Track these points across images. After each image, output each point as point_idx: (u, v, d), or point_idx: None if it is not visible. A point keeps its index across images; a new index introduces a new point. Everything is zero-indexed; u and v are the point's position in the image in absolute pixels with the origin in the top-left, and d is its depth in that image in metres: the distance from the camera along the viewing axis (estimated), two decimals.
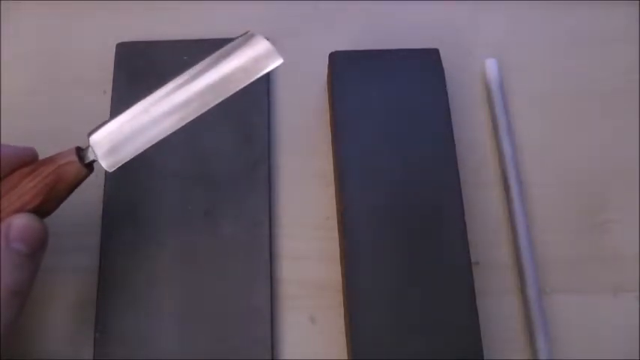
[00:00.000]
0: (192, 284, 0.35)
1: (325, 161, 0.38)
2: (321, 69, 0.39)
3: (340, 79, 0.37)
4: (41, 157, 0.30)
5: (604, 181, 0.38)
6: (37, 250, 0.28)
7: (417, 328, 0.31)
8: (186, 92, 0.29)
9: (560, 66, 0.41)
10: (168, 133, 0.29)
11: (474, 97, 0.40)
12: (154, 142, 0.29)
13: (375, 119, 0.35)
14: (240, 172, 0.37)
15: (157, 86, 0.29)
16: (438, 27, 0.42)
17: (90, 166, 0.29)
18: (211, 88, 0.29)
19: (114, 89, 0.39)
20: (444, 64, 0.37)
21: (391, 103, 0.36)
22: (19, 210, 0.28)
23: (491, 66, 0.40)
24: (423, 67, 0.37)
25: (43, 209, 0.28)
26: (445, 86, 0.36)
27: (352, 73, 0.37)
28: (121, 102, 0.38)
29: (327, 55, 0.38)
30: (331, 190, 0.37)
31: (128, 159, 0.29)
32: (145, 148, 0.29)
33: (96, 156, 0.29)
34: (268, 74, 0.39)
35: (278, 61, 0.29)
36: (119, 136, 0.29)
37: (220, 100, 0.29)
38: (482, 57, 0.41)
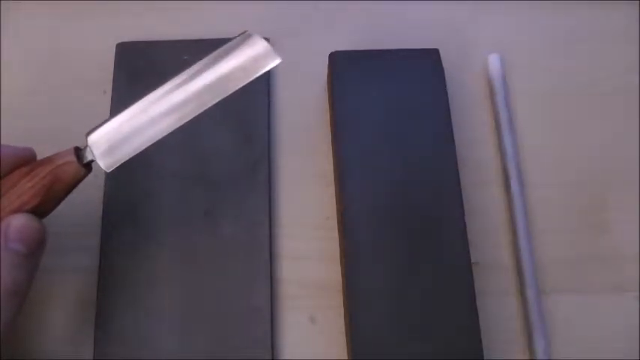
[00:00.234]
0: (192, 284, 0.35)
1: (325, 161, 0.38)
2: (321, 69, 0.39)
3: (340, 79, 0.37)
4: (41, 157, 0.30)
5: (604, 181, 0.38)
6: (35, 250, 0.28)
7: (417, 328, 0.31)
8: (184, 92, 0.29)
9: (560, 66, 0.41)
10: (167, 133, 0.29)
11: (474, 96, 0.40)
12: (152, 142, 0.29)
13: (375, 119, 0.35)
14: (240, 172, 0.37)
15: (155, 86, 0.29)
16: (438, 27, 0.42)
17: (88, 166, 0.29)
18: (209, 88, 0.29)
19: (114, 89, 0.39)
20: (444, 64, 0.37)
21: (391, 103, 0.36)
22: (18, 210, 0.28)
23: (493, 61, 0.40)
24: (423, 67, 0.37)
25: (41, 209, 0.28)
26: (445, 86, 0.36)
27: (352, 73, 0.37)
28: (120, 102, 0.38)
29: (327, 55, 0.38)
30: (331, 190, 0.37)
31: (126, 159, 0.29)
32: (143, 148, 0.29)
33: (94, 156, 0.29)
34: (268, 74, 0.40)
35: (276, 61, 0.29)
36: (117, 136, 0.29)
37: (218, 99, 0.29)
38: (482, 57, 0.41)
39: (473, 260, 0.33)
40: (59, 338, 0.35)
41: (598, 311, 0.35)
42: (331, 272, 0.35)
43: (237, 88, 0.29)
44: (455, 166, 0.34)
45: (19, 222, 0.27)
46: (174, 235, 0.36)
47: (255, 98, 0.39)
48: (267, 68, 0.29)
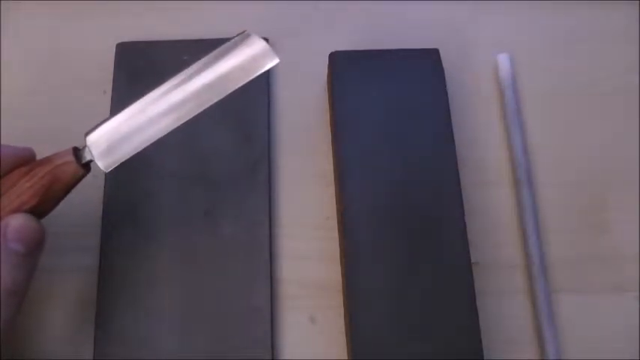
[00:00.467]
0: (192, 284, 0.35)
1: (325, 161, 0.38)
2: (321, 69, 0.39)
3: (340, 79, 0.37)
4: (41, 157, 0.30)
5: (604, 181, 0.38)
6: (34, 250, 0.28)
7: (417, 328, 0.31)
8: (183, 92, 0.29)
9: (560, 66, 0.41)
10: (165, 133, 0.29)
11: (475, 96, 0.40)
12: (150, 142, 0.29)
13: (375, 119, 0.35)
14: (240, 172, 0.37)
15: (154, 86, 0.29)
16: (438, 27, 0.42)
17: (87, 166, 0.29)
18: (208, 87, 0.29)
19: (114, 89, 0.39)
20: (444, 64, 0.37)
21: (391, 103, 0.36)
22: (17, 210, 0.28)
23: (503, 61, 0.40)
24: (423, 67, 0.37)
25: (40, 209, 0.29)
26: (445, 86, 0.36)
27: (352, 73, 0.37)
28: (120, 102, 0.38)
29: (327, 55, 0.38)
30: (331, 190, 0.37)
31: (125, 159, 0.29)
32: (141, 148, 0.29)
33: (92, 156, 0.29)
34: (268, 74, 0.40)
35: (274, 61, 0.29)
36: (116, 136, 0.29)
37: (217, 100, 0.29)
38: (482, 57, 0.41)
39: (473, 260, 0.33)
40: (59, 338, 0.35)
41: (598, 311, 0.35)
42: (331, 272, 0.35)
43: (235, 87, 0.29)
44: (455, 166, 0.34)
45: (17, 222, 0.27)
46: (174, 235, 0.36)
47: (255, 98, 0.39)
48: (266, 68, 0.29)
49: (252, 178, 0.37)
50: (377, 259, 0.32)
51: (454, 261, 0.32)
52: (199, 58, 0.30)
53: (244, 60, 0.29)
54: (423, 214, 0.33)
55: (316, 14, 0.43)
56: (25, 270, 0.27)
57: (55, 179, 0.28)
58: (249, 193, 0.37)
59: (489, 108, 0.40)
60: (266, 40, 0.30)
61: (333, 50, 0.38)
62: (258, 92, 0.39)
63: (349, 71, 0.37)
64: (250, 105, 0.39)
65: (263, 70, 0.29)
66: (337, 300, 0.35)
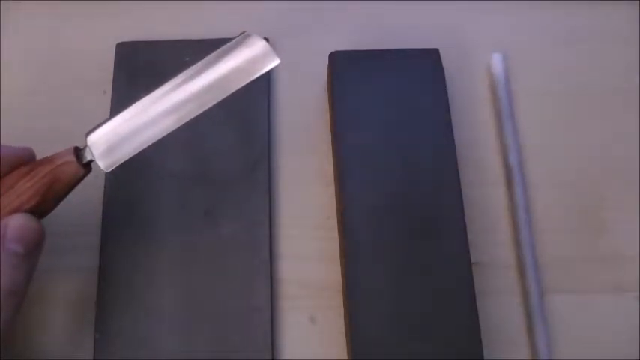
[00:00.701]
0: (192, 284, 0.35)
1: (325, 161, 0.38)
2: (321, 69, 0.39)
3: (340, 79, 0.37)
4: (41, 157, 0.30)
5: (604, 181, 0.38)
6: (33, 250, 0.28)
7: (416, 328, 0.31)
8: (184, 93, 0.29)
9: (560, 66, 0.41)
10: (166, 133, 0.29)
11: (474, 96, 0.40)
12: (151, 143, 0.29)
13: (375, 119, 0.35)
14: (240, 172, 0.37)
15: (155, 86, 0.29)
16: (438, 27, 0.42)
17: (88, 166, 0.29)
18: (208, 88, 0.29)
19: (114, 89, 0.39)
20: (444, 64, 0.37)
21: (391, 103, 0.36)
22: (17, 210, 0.28)
23: (496, 61, 0.40)
24: (423, 67, 0.37)
25: (41, 209, 0.29)
26: (445, 86, 0.36)
27: (352, 73, 0.37)
28: (120, 102, 0.38)
29: (327, 55, 0.38)
30: (331, 190, 0.37)
31: (125, 159, 0.29)
32: (142, 148, 0.29)
33: (93, 156, 0.29)
34: (268, 74, 0.40)
35: (275, 62, 0.29)
36: (116, 137, 0.29)
37: (218, 100, 0.29)
38: (482, 57, 0.41)
39: (473, 260, 0.33)
40: (59, 338, 0.35)
41: (598, 311, 0.35)
42: (331, 272, 0.35)
43: (236, 88, 0.29)
44: (455, 166, 0.34)
45: (17, 222, 0.27)
46: (174, 235, 0.36)
47: (255, 98, 0.39)
48: (267, 69, 0.29)
49: (252, 178, 0.37)
50: (377, 259, 0.32)
51: (454, 261, 0.32)
52: (200, 59, 0.30)
53: (245, 61, 0.29)
54: (423, 214, 0.33)
55: (316, 14, 0.43)
56: (25, 270, 0.27)
57: (55, 179, 0.28)
58: (249, 193, 0.37)
59: (489, 108, 0.40)
60: (266, 40, 0.30)
61: (333, 50, 0.38)
62: (258, 92, 0.39)
63: (349, 71, 0.37)
64: (250, 105, 0.39)
65: (264, 71, 0.29)
66: (337, 300, 0.35)
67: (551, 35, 0.42)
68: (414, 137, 0.35)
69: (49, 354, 0.34)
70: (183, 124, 0.29)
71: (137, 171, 0.37)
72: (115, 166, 0.29)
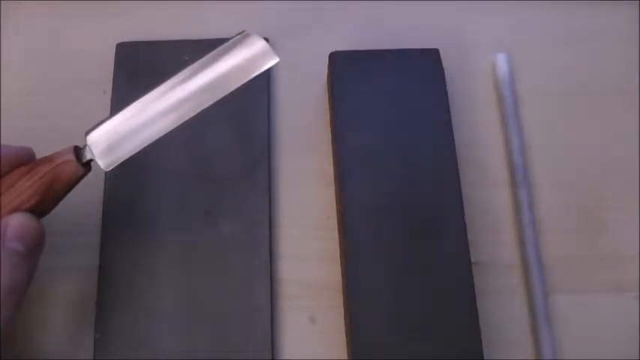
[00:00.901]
0: (192, 284, 0.35)
1: (325, 161, 0.38)
2: (321, 69, 0.39)
3: (340, 79, 0.37)
4: (40, 157, 0.30)
5: (604, 181, 0.38)
6: (33, 249, 0.28)
7: (416, 328, 0.31)
8: (183, 91, 0.29)
9: (560, 66, 0.41)
10: (165, 132, 0.29)
11: (475, 96, 0.40)
12: (151, 141, 0.29)
13: (375, 119, 0.35)
14: (240, 172, 0.37)
15: (154, 85, 0.29)
16: (438, 27, 0.42)
17: (87, 165, 0.29)
18: (208, 87, 0.29)
19: (114, 89, 0.39)
20: (444, 64, 0.37)
21: (391, 103, 0.36)
22: (17, 209, 0.28)
23: (501, 61, 0.40)
24: (423, 67, 0.37)
25: (40, 208, 0.29)
26: (445, 86, 0.36)
27: (352, 73, 0.37)
28: (120, 102, 0.38)
29: (327, 55, 0.38)
30: (331, 190, 0.37)
31: (125, 158, 0.29)
32: (142, 147, 0.29)
33: (93, 155, 0.29)
34: (268, 74, 0.40)
35: (274, 60, 0.29)
36: (116, 135, 0.29)
37: (217, 99, 0.29)
38: (482, 57, 0.41)
39: (473, 260, 0.33)
40: (59, 338, 0.35)
41: (598, 311, 0.35)
42: (331, 272, 0.35)
43: (235, 87, 0.29)
44: (455, 166, 0.34)
45: (17, 221, 0.27)
46: (174, 234, 0.36)
47: (255, 98, 0.39)
48: (266, 67, 0.29)
49: (252, 178, 0.37)
50: (377, 259, 0.32)
51: (454, 261, 0.32)
52: (199, 58, 0.30)
53: (244, 59, 0.29)
54: (423, 214, 0.33)
55: (316, 14, 0.43)
56: (25, 269, 0.27)
57: (55, 178, 0.28)
58: (249, 193, 0.37)
59: (489, 108, 0.40)
60: (266, 40, 0.30)
61: (333, 50, 0.38)
62: (258, 92, 0.39)
63: (349, 71, 0.37)
64: (250, 105, 0.39)
65: (263, 70, 0.29)
66: (337, 300, 0.35)
67: (551, 35, 0.42)
68: (414, 137, 0.35)
69: (49, 354, 0.34)
70: (183, 123, 0.29)
71: (137, 171, 0.37)
72: (114, 165, 0.29)
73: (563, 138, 0.39)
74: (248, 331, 0.34)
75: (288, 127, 0.39)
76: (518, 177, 0.37)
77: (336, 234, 0.36)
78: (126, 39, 0.41)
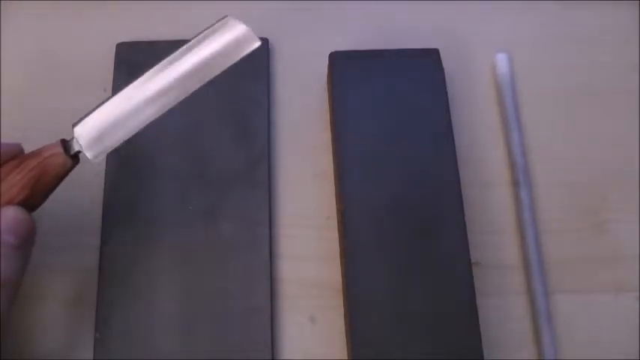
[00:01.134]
0: (192, 284, 0.35)
1: (325, 161, 0.38)
2: (321, 69, 0.39)
3: (340, 79, 0.37)
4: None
5: (604, 181, 0.38)
6: (25, 241, 0.28)
7: (417, 328, 0.31)
8: (167, 79, 0.30)
9: (560, 66, 0.41)
10: (151, 120, 0.29)
11: (475, 96, 0.40)
12: (137, 130, 0.29)
13: (375, 119, 0.35)
14: (240, 172, 0.37)
15: (136, 75, 0.29)
16: (438, 27, 0.42)
17: (76, 158, 0.29)
18: (191, 73, 0.30)
19: (114, 89, 0.39)
20: (444, 64, 0.37)
21: (391, 103, 0.36)
22: (8, 203, 0.28)
23: (501, 61, 0.40)
24: (423, 67, 0.37)
25: (31, 202, 0.29)
26: (445, 86, 0.36)
27: (352, 73, 0.37)
28: None
29: (327, 55, 0.38)
30: (331, 190, 0.37)
31: (112, 148, 0.29)
32: (128, 136, 0.29)
33: (80, 147, 0.29)
34: (268, 74, 0.40)
35: (255, 44, 0.30)
36: (102, 126, 0.29)
37: (201, 85, 0.29)
38: (482, 57, 0.41)
39: (473, 260, 0.33)
40: (59, 338, 0.35)
41: (598, 311, 0.35)
42: (331, 272, 0.35)
43: (219, 72, 0.30)
44: (455, 166, 0.34)
45: (9, 214, 0.28)
46: (174, 234, 0.36)
47: (256, 98, 0.39)
48: (247, 52, 0.30)
49: (252, 177, 0.37)
50: (377, 259, 0.32)
51: (454, 261, 0.32)
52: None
53: (226, 44, 0.30)
54: (423, 214, 0.33)
55: (316, 14, 0.43)
56: (17, 262, 0.28)
57: (44, 171, 0.28)
58: (249, 193, 0.37)
59: (489, 108, 0.40)
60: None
61: (333, 50, 0.38)
62: (258, 92, 0.39)
63: (349, 71, 0.37)
64: (250, 105, 0.39)
65: (245, 54, 0.30)
66: (337, 300, 0.35)
67: (551, 35, 0.42)
68: (414, 137, 0.35)
69: (49, 354, 0.34)
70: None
71: (137, 171, 0.37)
72: (102, 156, 0.29)
73: (563, 138, 0.39)
74: (248, 331, 0.34)
75: (288, 127, 0.39)
76: (519, 177, 0.37)
77: (336, 234, 0.36)
78: (126, 39, 0.41)
